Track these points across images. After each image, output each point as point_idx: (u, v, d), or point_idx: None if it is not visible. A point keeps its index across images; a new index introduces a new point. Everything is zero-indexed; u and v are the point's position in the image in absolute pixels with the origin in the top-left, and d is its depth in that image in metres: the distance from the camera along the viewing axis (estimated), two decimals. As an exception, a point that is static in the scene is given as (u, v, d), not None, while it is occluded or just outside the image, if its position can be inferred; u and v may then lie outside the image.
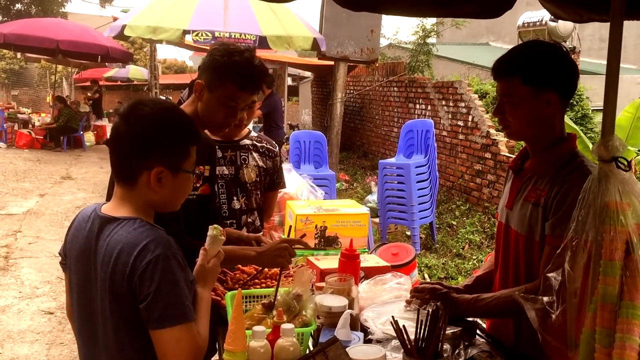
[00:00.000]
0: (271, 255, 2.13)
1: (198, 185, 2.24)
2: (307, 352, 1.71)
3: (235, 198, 2.79)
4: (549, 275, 1.52)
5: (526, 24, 11.28)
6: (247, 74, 2.08)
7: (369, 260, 2.57)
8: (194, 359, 1.51)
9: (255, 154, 2.86)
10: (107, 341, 1.57)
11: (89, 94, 18.31)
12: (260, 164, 2.86)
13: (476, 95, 8.73)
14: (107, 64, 18.53)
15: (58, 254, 1.76)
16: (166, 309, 1.46)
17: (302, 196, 4.19)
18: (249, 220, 2.84)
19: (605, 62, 1.58)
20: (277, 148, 2.99)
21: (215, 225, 1.74)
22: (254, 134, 2.93)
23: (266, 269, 2.39)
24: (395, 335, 1.71)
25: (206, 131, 2.52)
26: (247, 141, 2.86)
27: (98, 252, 1.54)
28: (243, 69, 2.06)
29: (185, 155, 1.61)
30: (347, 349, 1.62)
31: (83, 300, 1.62)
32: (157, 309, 1.46)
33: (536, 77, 1.82)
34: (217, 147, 2.73)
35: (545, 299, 1.52)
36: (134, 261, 1.46)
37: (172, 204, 1.66)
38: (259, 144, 2.89)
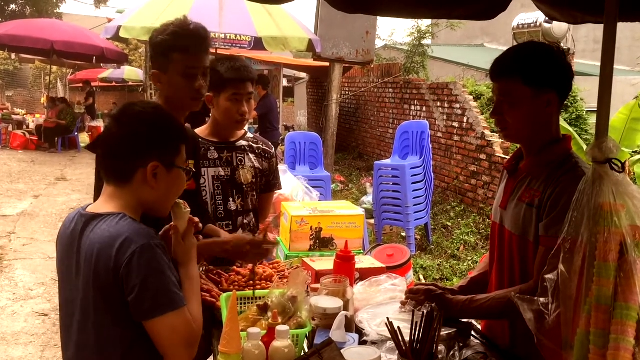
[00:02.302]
0: (236, 248, 2.20)
1: None
2: (302, 354, 1.71)
3: (231, 199, 2.78)
4: (547, 276, 1.53)
5: (521, 26, 11.29)
6: (185, 35, 2.13)
7: (364, 261, 2.58)
8: (190, 343, 1.52)
9: (251, 155, 2.85)
10: (79, 340, 1.55)
11: (83, 100, 18.20)
12: (257, 165, 2.85)
13: (471, 97, 8.75)
14: (102, 64, 18.49)
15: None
16: (155, 298, 1.46)
17: (297, 197, 4.20)
18: (245, 221, 2.83)
19: (599, 64, 1.59)
20: (273, 149, 2.99)
21: (177, 200, 1.72)
22: (250, 135, 2.93)
23: (261, 271, 2.40)
24: (390, 336, 1.71)
25: (197, 131, 2.52)
26: (243, 142, 2.85)
27: (81, 249, 1.54)
28: (179, 34, 2.12)
29: (177, 152, 1.64)
30: (342, 351, 1.62)
31: (62, 300, 1.64)
32: (147, 298, 1.46)
33: (537, 77, 1.82)
34: (211, 147, 2.73)
35: (542, 300, 1.52)
36: (117, 254, 1.46)
37: (164, 202, 1.66)
38: (255, 145, 2.88)
